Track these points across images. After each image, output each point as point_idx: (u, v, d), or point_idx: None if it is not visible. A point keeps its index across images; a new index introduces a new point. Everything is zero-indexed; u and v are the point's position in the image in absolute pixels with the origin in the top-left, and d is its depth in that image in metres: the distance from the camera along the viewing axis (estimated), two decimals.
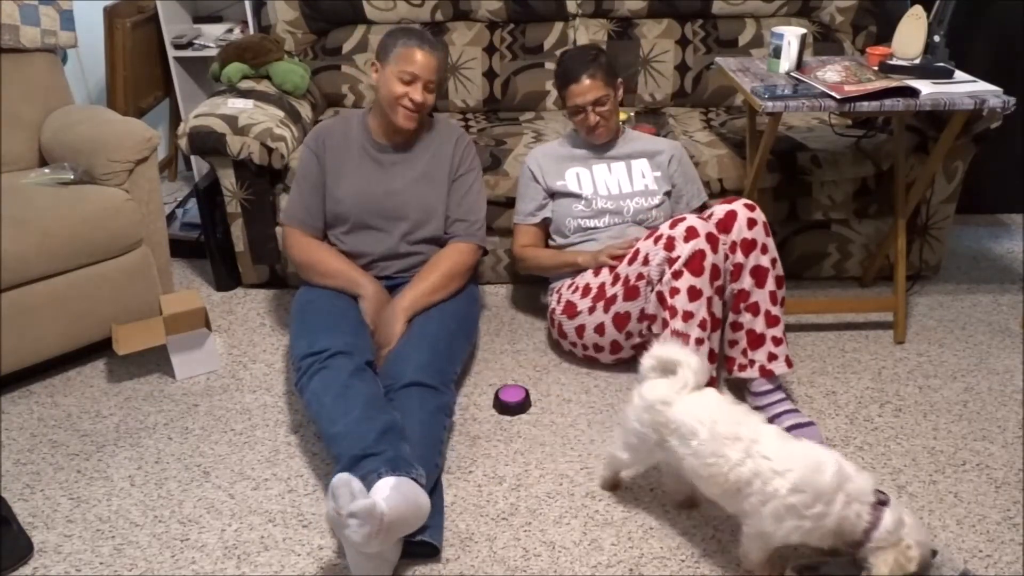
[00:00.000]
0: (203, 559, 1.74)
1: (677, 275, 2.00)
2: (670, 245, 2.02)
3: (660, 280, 2.05)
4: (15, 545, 1.74)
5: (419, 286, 2.19)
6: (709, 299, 2.01)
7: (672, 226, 2.04)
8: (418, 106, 2.19)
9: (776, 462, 1.53)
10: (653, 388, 1.67)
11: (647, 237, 2.12)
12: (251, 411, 2.21)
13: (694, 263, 1.99)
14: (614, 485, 1.91)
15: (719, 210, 2.08)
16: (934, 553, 1.57)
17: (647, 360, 1.71)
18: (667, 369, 1.68)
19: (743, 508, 1.58)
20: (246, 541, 1.78)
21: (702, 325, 2.00)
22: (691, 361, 1.65)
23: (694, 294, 1.99)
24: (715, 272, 2.01)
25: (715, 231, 2.03)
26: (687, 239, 2.00)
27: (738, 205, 2.07)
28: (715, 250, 2.00)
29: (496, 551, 1.74)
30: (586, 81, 2.28)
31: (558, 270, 2.39)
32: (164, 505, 1.89)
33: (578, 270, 2.32)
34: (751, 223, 2.06)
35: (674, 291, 2.00)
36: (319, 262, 2.26)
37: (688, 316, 2.00)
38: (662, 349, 1.71)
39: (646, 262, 2.08)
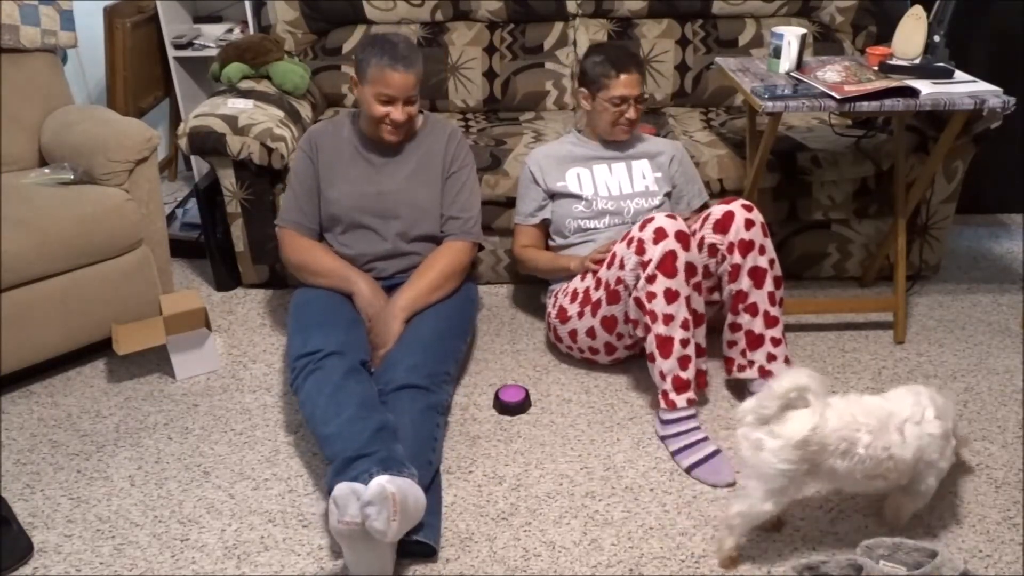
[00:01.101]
0: (203, 559, 1.74)
1: (651, 279, 1.99)
2: (640, 249, 2.01)
3: (636, 285, 2.04)
4: (15, 545, 1.74)
5: (416, 285, 2.19)
6: (688, 297, 1.99)
7: (641, 228, 2.02)
8: (400, 124, 2.19)
9: (913, 415, 1.62)
10: (796, 424, 1.53)
11: (622, 240, 2.11)
12: (251, 411, 2.21)
13: (666, 265, 1.97)
14: (736, 556, 1.69)
15: (717, 211, 2.08)
16: (934, 554, 1.57)
17: (769, 404, 1.54)
18: (791, 403, 1.55)
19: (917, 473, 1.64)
20: (246, 541, 1.78)
21: (684, 325, 2.00)
22: (810, 381, 1.54)
23: (671, 296, 1.98)
24: (690, 270, 2.00)
25: (685, 228, 2.01)
26: (656, 241, 1.98)
27: (735, 206, 2.07)
28: (687, 247, 1.99)
29: (496, 551, 1.74)
30: (635, 74, 2.28)
31: (554, 274, 2.39)
32: (164, 505, 1.89)
33: (572, 275, 2.32)
34: (749, 224, 2.05)
35: (651, 295, 1.99)
36: (311, 262, 2.26)
37: (669, 319, 1.99)
38: (779, 387, 1.54)
39: (622, 266, 2.07)
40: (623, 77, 2.27)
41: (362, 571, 1.62)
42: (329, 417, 1.82)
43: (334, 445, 1.76)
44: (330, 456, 1.77)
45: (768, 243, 2.07)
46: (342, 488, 1.53)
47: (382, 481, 1.54)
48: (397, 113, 2.17)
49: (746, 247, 2.05)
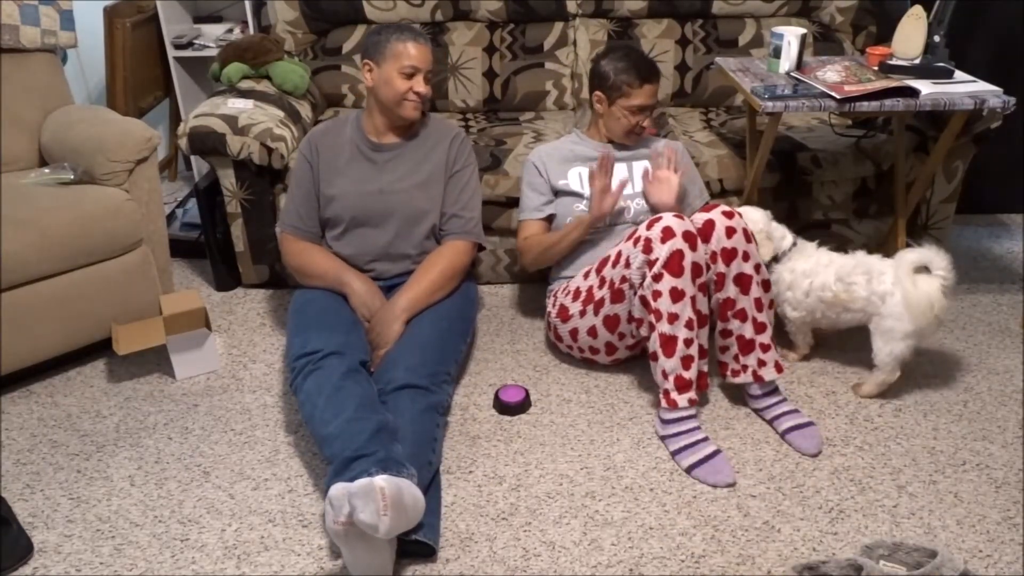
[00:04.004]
0: (203, 559, 1.74)
1: (657, 278, 1.98)
2: (647, 247, 2.00)
3: (642, 284, 2.04)
4: (15, 545, 1.74)
5: (417, 286, 2.19)
6: (693, 298, 1.99)
7: (649, 227, 2.02)
8: (423, 97, 2.23)
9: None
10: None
11: (627, 238, 2.11)
12: (251, 411, 2.21)
13: (672, 264, 1.97)
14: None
15: (698, 218, 2.07)
16: (934, 554, 1.57)
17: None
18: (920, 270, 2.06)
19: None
20: (246, 541, 1.78)
21: (688, 325, 1.99)
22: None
23: (677, 295, 1.98)
24: (696, 270, 1.99)
25: (692, 228, 2.01)
26: (664, 240, 1.98)
27: (716, 214, 2.05)
28: (694, 248, 1.98)
29: (496, 551, 1.74)
30: (656, 85, 2.29)
31: (566, 240, 2.30)
32: (164, 505, 1.89)
33: (590, 228, 2.27)
34: (730, 232, 2.04)
35: (656, 294, 1.99)
36: (307, 264, 2.26)
37: (673, 318, 1.99)
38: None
39: (628, 265, 2.07)
40: (646, 87, 2.26)
41: (361, 571, 1.62)
42: (328, 418, 1.82)
43: (333, 445, 1.76)
44: (329, 456, 1.77)
45: (752, 248, 2.06)
46: (337, 489, 1.53)
47: (372, 477, 1.55)
48: (420, 86, 2.20)
49: (729, 255, 2.04)
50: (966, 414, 2.15)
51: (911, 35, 2.24)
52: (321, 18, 3.10)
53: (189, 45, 3.34)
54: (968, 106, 2.11)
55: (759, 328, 2.08)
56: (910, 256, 2.06)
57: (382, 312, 2.16)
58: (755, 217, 2.25)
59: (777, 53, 2.32)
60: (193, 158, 3.45)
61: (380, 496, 1.51)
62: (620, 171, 2.39)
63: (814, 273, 2.20)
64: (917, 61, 2.25)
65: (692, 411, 2.02)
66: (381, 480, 1.54)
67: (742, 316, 2.08)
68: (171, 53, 3.34)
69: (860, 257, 2.18)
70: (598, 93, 2.33)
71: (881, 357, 2.14)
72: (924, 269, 2.06)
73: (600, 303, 2.18)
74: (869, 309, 2.14)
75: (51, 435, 2.13)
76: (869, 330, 2.16)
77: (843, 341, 2.46)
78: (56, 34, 2.68)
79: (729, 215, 2.05)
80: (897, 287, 2.07)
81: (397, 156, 2.29)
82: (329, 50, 3.11)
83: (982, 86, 2.18)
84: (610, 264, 2.14)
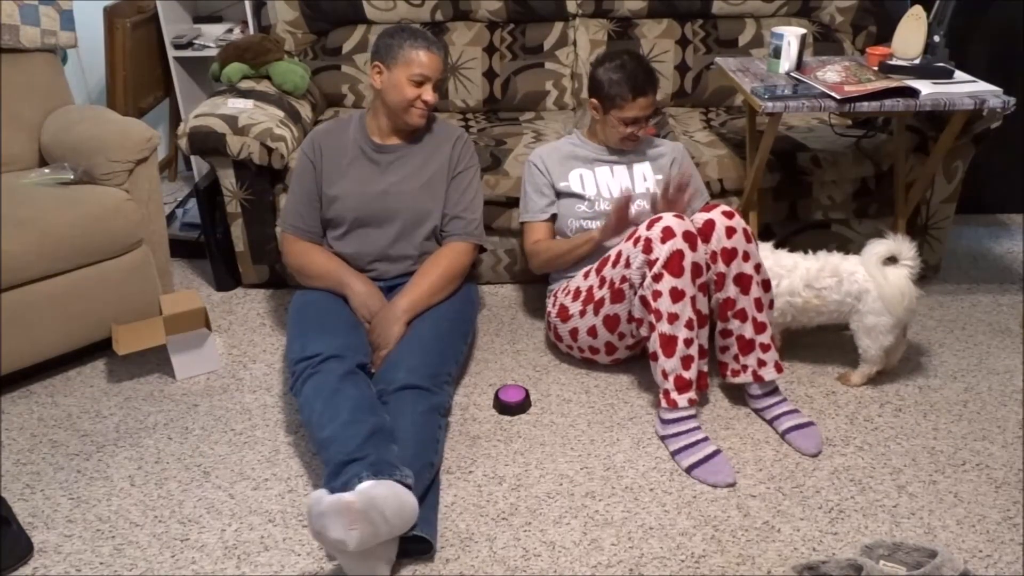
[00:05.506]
0: (203, 559, 1.74)
1: (657, 278, 1.99)
2: (648, 247, 2.00)
3: (642, 284, 2.04)
4: (15, 545, 1.74)
5: (418, 287, 2.19)
6: (693, 298, 1.99)
7: (649, 227, 2.02)
8: (430, 105, 2.22)
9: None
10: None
11: (628, 238, 2.11)
12: (251, 411, 2.21)
13: (673, 264, 1.97)
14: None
15: (698, 218, 2.07)
16: (934, 554, 1.57)
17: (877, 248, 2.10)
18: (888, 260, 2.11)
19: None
20: (246, 541, 1.78)
21: (688, 325, 1.99)
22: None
23: (677, 295, 1.98)
24: (696, 270, 1.99)
25: (693, 229, 2.01)
26: (664, 240, 1.98)
27: (716, 213, 2.05)
28: (694, 248, 1.98)
29: (496, 551, 1.74)
30: (651, 96, 2.25)
31: (574, 253, 2.30)
32: (164, 505, 1.89)
33: (598, 244, 2.26)
34: (730, 232, 2.04)
35: (656, 294, 1.99)
36: (308, 264, 2.26)
37: (673, 318, 1.99)
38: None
39: (628, 264, 2.07)
40: (640, 100, 2.23)
41: (357, 572, 1.61)
42: (325, 422, 1.81)
43: (329, 449, 1.76)
44: (326, 460, 1.77)
45: (752, 248, 2.06)
46: (313, 497, 1.54)
47: (343, 494, 1.54)
48: (428, 94, 2.20)
49: (729, 255, 2.04)
50: (966, 414, 2.15)
51: (911, 35, 2.24)
52: (321, 18, 3.10)
53: (189, 45, 3.34)
54: (968, 106, 2.11)
55: (759, 328, 2.08)
56: (877, 249, 2.10)
57: (383, 313, 2.16)
58: None
59: (777, 53, 2.32)
60: (193, 158, 3.45)
61: (347, 510, 1.51)
62: (620, 174, 2.39)
63: (776, 274, 2.18)
64: (917, 61, 2.25)
65: (692, 411, 2.02)
66: (350, 495, 1.53)
67: (742, 316, 2.08)
68: (171, 53, 3.34)
69: (825, 258, 2.18)
70: (593, 100, 2.32)
71: (871, 353, 2.19)
72: (892, 260, 2.10)
73: (600, 303, 2.18)
74: (844, 310, 2.17)
75: (51, 435, 2.13)
76: (851, 329, 2.19)
77: (843, 341, 2.47)
78: (56, 34, 2.68)
79: (729, 215, 2.05)
80: (870, 283, 2.10)
81: (400, 158, 2.29)
82: (329, 50, 3.11)
83: (982, 86, 2.18)
84: (610, 264, 2.14)
